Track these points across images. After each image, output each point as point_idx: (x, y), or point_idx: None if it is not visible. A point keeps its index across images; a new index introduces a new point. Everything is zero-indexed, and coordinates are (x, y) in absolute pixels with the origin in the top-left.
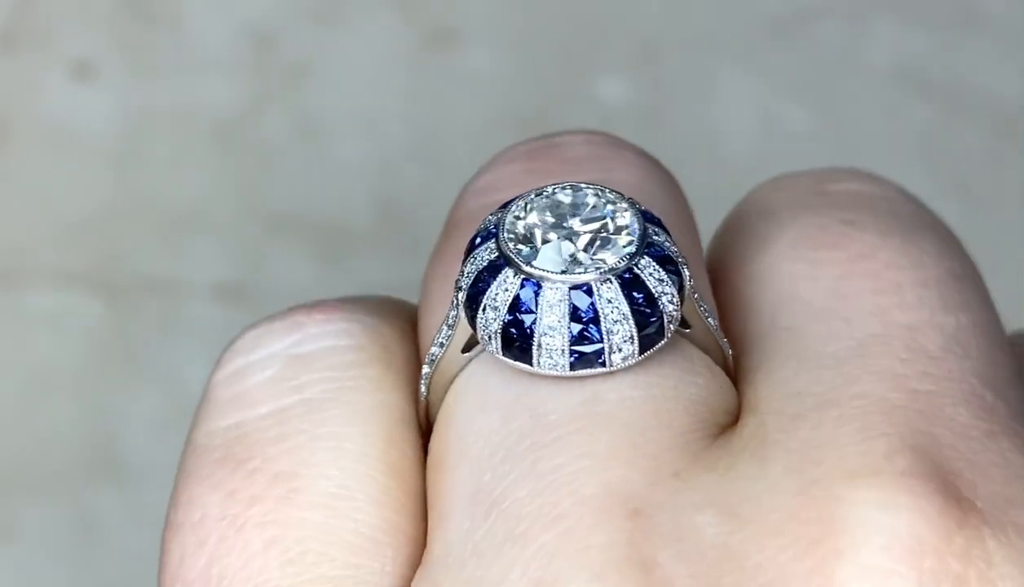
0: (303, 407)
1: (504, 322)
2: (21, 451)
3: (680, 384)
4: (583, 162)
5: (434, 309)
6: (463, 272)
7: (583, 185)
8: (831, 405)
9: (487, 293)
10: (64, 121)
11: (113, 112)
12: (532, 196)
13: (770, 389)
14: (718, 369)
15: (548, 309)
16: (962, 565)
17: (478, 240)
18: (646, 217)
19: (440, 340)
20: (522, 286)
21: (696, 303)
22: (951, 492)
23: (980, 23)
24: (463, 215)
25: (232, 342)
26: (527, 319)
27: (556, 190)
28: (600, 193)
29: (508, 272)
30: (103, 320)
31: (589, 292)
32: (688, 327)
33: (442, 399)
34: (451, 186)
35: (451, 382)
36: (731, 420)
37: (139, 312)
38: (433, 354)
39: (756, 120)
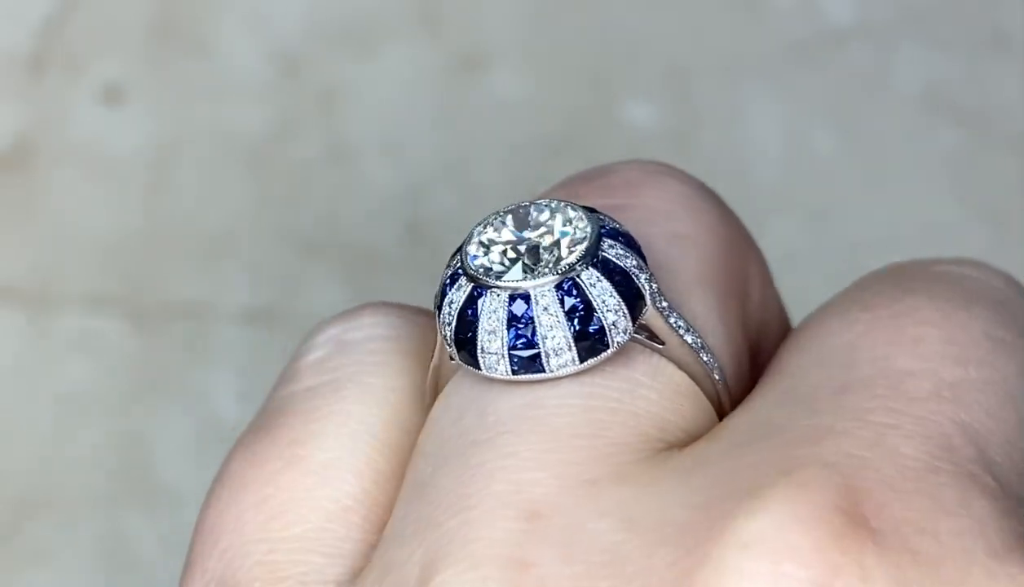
0: (331, 386)
1: (454, 327)
2: (50, 475)
3: (626, 396)
4: (616, 187)
5: None
6: (440, 281)
7: (554, 202)
8: (779, 433)
9: (445, 299)
10: (94, 145)
11: (143, 136)
12: (503, 210)
13: (740, 418)
14: (689, 387)
15: (489, 314)
16: (829, 576)
17: (456, 251)
18: (609, 233)
19: (435, 347)
20: (470, 293)
21: (667, 318)
22: (844, 506)
23: (1009, 47)
24: None
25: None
26: (471, 324)
27: (524, 204)
28: (560, 208)
29: (462, 280)
30: (133, 344)
31: (527, 300)
32: (661, 343)
33: None
34: (479, 210)
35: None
36: (688, 440)
37: (169, 336)
38: (434, 360)
39: (783, 144)
